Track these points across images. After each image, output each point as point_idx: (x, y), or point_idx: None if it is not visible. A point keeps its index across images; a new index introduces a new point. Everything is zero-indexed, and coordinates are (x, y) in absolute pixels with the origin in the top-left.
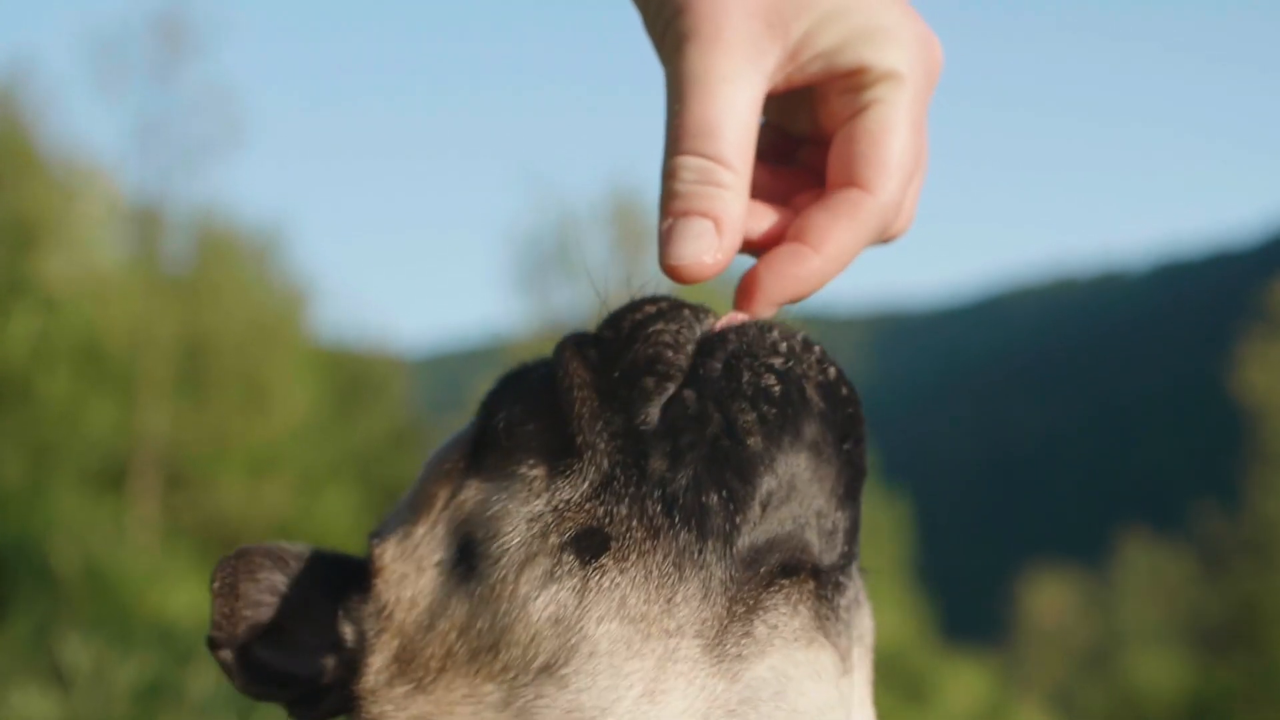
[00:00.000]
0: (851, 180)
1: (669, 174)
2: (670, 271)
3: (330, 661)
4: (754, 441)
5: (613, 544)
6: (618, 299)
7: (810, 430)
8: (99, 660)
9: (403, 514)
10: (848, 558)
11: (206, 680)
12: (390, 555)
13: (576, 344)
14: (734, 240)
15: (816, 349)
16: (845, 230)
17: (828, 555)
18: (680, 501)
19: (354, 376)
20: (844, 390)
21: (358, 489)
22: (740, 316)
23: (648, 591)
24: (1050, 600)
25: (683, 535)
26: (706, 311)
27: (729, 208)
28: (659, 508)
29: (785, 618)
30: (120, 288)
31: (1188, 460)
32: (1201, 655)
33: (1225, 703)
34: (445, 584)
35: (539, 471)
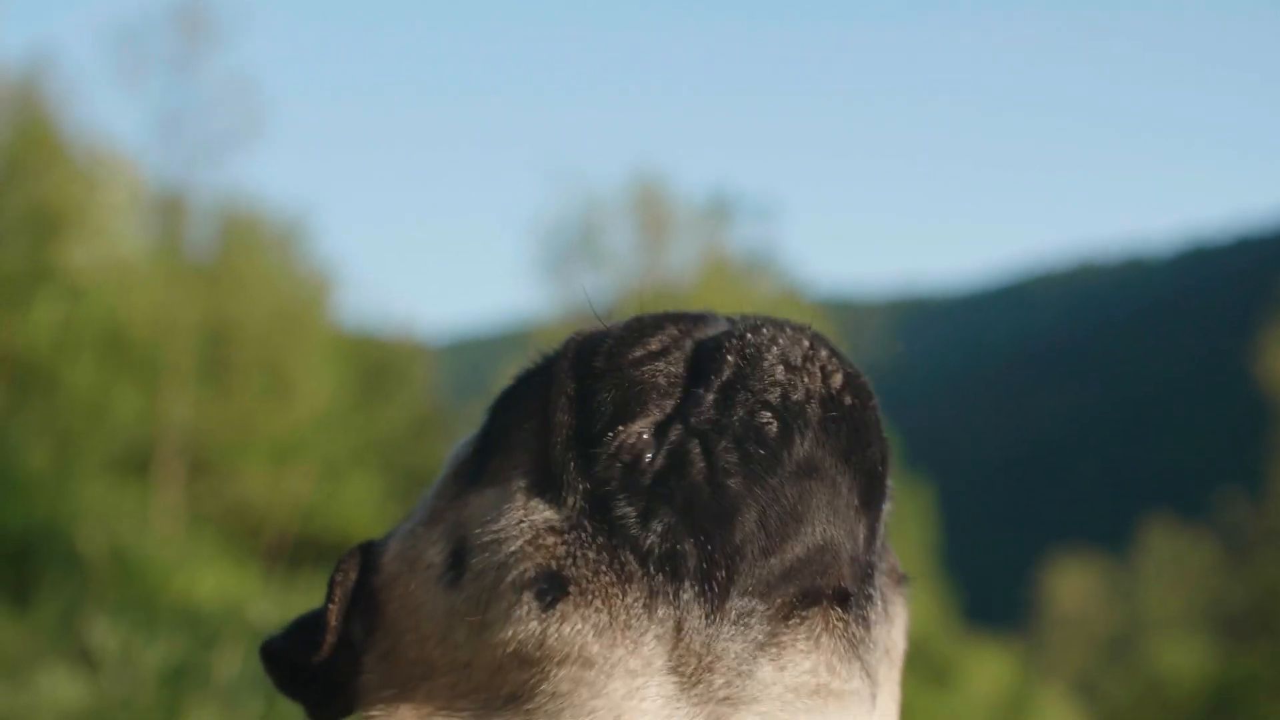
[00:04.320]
0: None
1: None
2: None
3: (342, 656)
4: (734, 483)
5: (571, 588)
6: (634, 303)
7: (805, 455)
8: (126, 643)
9: (417, 511)
10: (869, 569)
11: (232, 663)
12: (390, 554)
13: (579, 353)
14: None
15: (822, 355)
16: None
17: (848, 573)
18: (654, 551)
19: (377, 364)
20: (848, 399)
21: (381, 476)
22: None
23: (612, 634)
24: (1073, 587)
25: (657, 579)
26: (704, 320)
27: None
28: (630, 556)
29: (801, 654)
30: (144, 276)
31: (1212, 447)
32: (1225, 642)
33: (1248, 690)
34: (432, 589)
35: (523, 483)
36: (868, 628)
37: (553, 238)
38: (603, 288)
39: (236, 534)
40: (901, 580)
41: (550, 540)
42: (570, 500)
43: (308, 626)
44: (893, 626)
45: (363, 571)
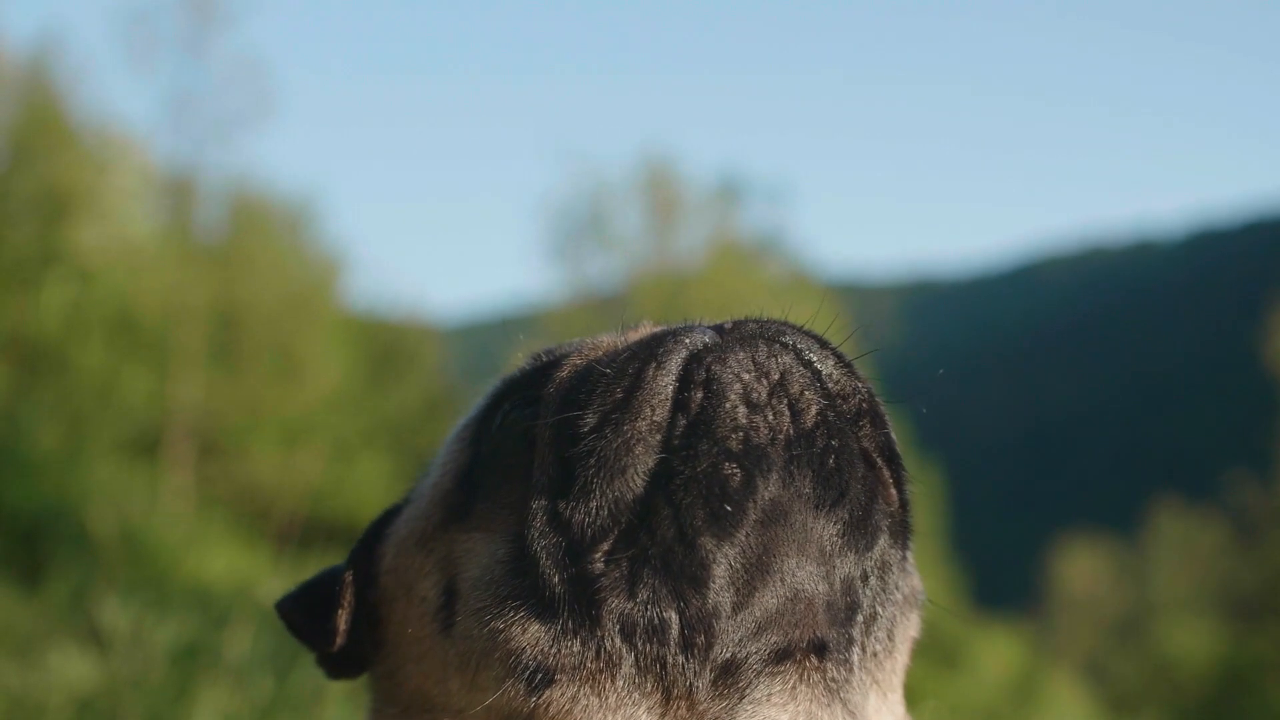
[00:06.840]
0: None
1: None
2: None
3: (345, 641)
4: (705, 543)
5: (559, 676)
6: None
7: (770, 501)
8: (137, 623)
9: (410, 515)
10: (852, 609)
11: (243, 643)
12: (388, 563)
13: (560, 432)
14: None
15: (793, 387)
16: None
17: (824, 620)
18: (638, 627)
19: (387, 345)
20: (820, 439)
21: (391, 458)
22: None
23: (603, 715)
24: (1082, 569)
25: (643, 655)
26: (675, 338)
27: None
28: (617, 640)
29: (778, 708)
30: (153, 258)
31: (1220, 429)
32: (1233, 624)
33: (1257, 671)
34: (428, 625)
35: (503, 553)
36: (850, 669)
37: (562, 220)
38: (612, 270)
39: (246, 515)
40: (917, 603)
41: (534, 628)
42: (553, 590)
43: (315, 594)
44: (895, 651)
45: (369, 561)
